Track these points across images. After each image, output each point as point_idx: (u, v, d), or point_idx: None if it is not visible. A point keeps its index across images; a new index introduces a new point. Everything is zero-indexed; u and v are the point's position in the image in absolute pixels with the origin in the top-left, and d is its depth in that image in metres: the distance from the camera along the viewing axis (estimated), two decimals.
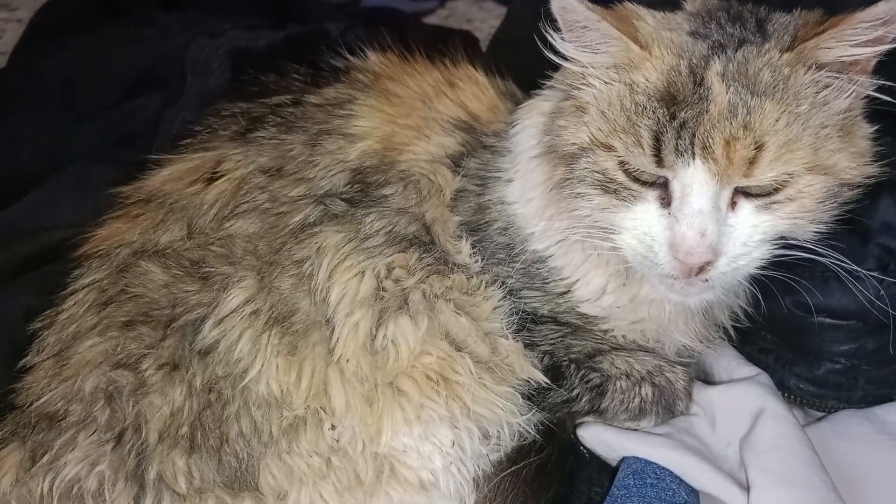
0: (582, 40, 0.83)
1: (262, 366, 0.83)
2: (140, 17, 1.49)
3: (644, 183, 0.81)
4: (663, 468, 0.86)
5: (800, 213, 0.79)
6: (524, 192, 0.96)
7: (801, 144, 0.77)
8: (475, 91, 1.08)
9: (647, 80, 0.80)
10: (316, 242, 0.90)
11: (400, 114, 1.02)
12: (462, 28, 2.15)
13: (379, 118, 1.00)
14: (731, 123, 0.75)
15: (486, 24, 2.21)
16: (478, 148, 1.02)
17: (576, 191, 0.86)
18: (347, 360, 0.85)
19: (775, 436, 0.85)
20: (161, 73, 1.27)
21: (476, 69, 1.13)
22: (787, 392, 1.01)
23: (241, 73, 1.19)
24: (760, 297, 0.94)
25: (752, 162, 0.76)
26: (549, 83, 0.95)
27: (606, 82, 0.83)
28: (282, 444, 0.82)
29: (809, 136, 0.77)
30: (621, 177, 0.81)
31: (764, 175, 0.77)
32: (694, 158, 0.77)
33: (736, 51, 0.79)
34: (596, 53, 0.84)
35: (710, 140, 0.76)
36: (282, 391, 0.83)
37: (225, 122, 1.02)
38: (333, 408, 0.84)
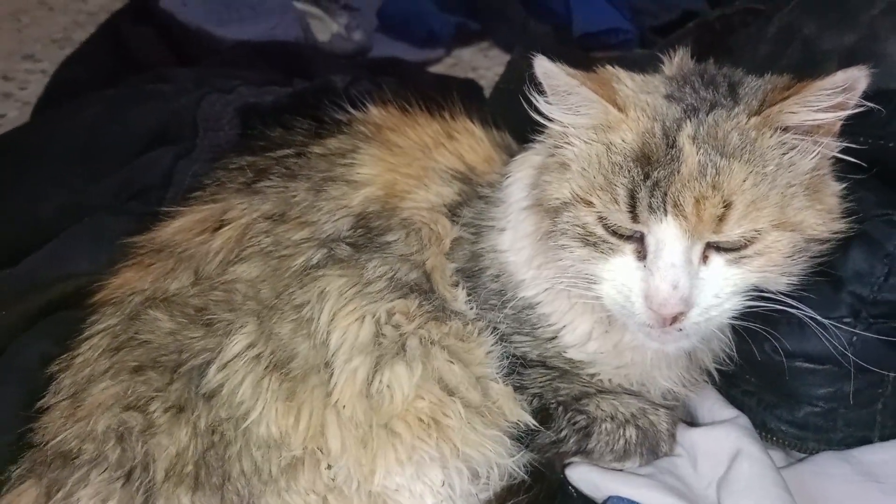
0: (564, 103, 0.90)
1: (263, 409, 0.87)
2: (157, 74, 1.57)
3: (621, 237, 0.86)
4: None
5: (769, 267, 0.84)
6: (515, 241, 1.01)
7: (768, 203, 0.81)
8: (472, 143, 1.15)
9: (623, 140, 0.86)
10: (318, 286, 0.95)
11: (401, 163, 1.08)
12: (467, 76, 2.23)
13: (381, 166, 1.06)
14: (701, 183, 0.80)
15: (490, 71, 2.28)
16: (473, 198, 1.08)
17: (559, 242, 0.91)
18: (344, 406, 0.89)
19: (750, 476, 0.88)
20: (174, 128, 1.34)
21: (473, 122, 1.20)
22: (770, 434, 1.04)
23: (249, 128, 1.27)
24: (739, 343, 0.99)
25: (721, 219, 0.81)
26: (540, 137, 1.01)
27: (586, 142, 0.89)
28: (281, 482, 0.86)
29: (776, 195, 0.82)
30: (600, 230, 0.87)
31: (732, 231, 0.82)
32: (666, 215, 0.82)
33: (707, 114, 0.84)
34: (577, 115, 0.90)
35: (680, 198, 0.81)
36: (281, 433, 0.87)
37: (232, 174, 1.08)
38: (330, 448, 0.88)
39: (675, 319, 0.83)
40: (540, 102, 0.91)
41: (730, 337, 1.00)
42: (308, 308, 0.93)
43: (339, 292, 0.94)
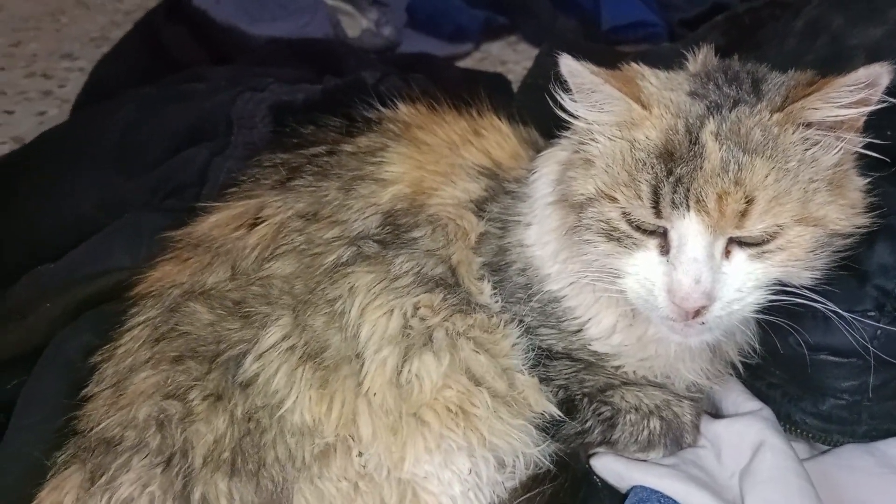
0: (588, 100, 0.92)
1: (297, 397, 0.90)
2: (192, 73, 1.61)
3: (645, 231, 0.88)
4: (668, 497, 0.91)
5: (791, 262, 0.85)
6: (541, 236, 1.03)
7: (790, 198, 0.83)
8: (498, 139, 1.17)
9: (647, 137, 0.88)
10: (348, 282, 0.98)
11: (428, 160, 1.10)
12: (496, 71, 2.25)
13: (409, 164, 1.09)
14: (723, 179, 0.82)
15: (518, 65, 2.31)
16: (500, 193, 1.10)
17: (584, 237, 0.93)
18: (375, 394, 0.92)
19: (773, 468, 0.90)
20: (209, 126, 1.38)
21: (500, 118, 1.22)
22: (794, 426, 1.05)
23: (282, 125, 1.30)
24: (764, 336, 1.00)
25: (744, 214, 0.82)
26: (566, 133, 1.02)
27: (610, 138, 0.91)
28: (314, 469, 0.89)
29: (798, 191, 0.83)
30: (624, 226, 0.88)
31: (755, 226, 0.83)
32: (689, 211, 0.83)
33: (730, 111, 0.86)
34: (601, 112, 0.92)
35: (703, 194, 0.82)
36: (314, 421, 0.90)
37: (266, 171, 1.12)
38: (361, 436, 0.91)
39: (697, 313, 0.84)
40: (565, 100, 0.93)
41: (754, 330, 1.00)
42: (340, 302, 0.96)
43: (367, 288, 0.97)
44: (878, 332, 0.96)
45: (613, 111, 0.90)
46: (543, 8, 2.35)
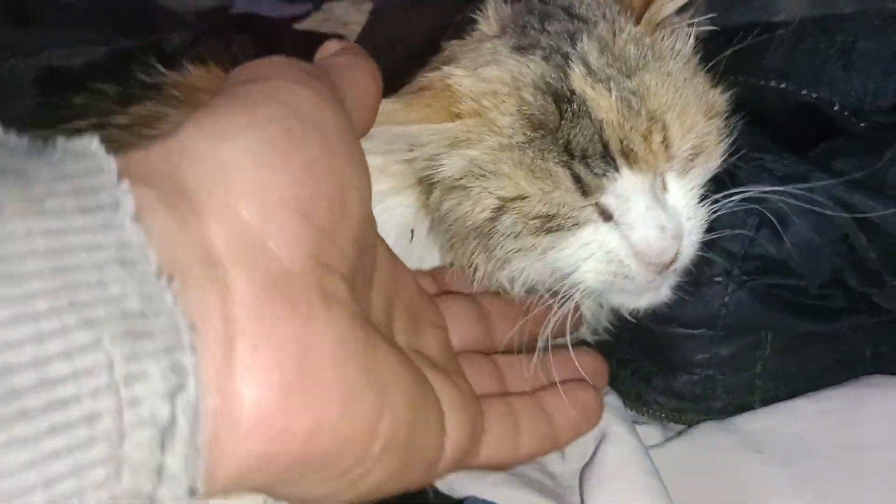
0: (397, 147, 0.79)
1: None
2: None
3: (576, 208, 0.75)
4: None
5: (710, 161, 0.79)
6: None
7: (689, 100, 0.75)
8: None
9: (504, 135, 0.74)
10: None
11: None
12: (337, 32, 2.08)
13: None
14: (631, 118, 0.72)
15: (361, 26, 2.14)
16: None
17: (507, 249, 0.78)
18: None
19: (615, 462, 0.79)
20: None
21: None
22: (646, 406, 0.96)
23: (55, 95, 1.09)
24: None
25: (666, 142, 0.73)
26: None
27: (461, 158, 0.77)
28: None
29: (688, 88, 0.76)
30: (554, 209, 0.75)
31: (682, 148, 0.75)
32: (618, 170, 0.73)
33: (588, 39, 0.75)
34: (425, 147, 0.78)
35: (624, 145, 0.72)
36: None
37: None
38: None
39: (672, 262, 0.76)
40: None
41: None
42: None
43: None
44: (727, 298, 0.87)
45: (435, 142, 0.77)
46: None
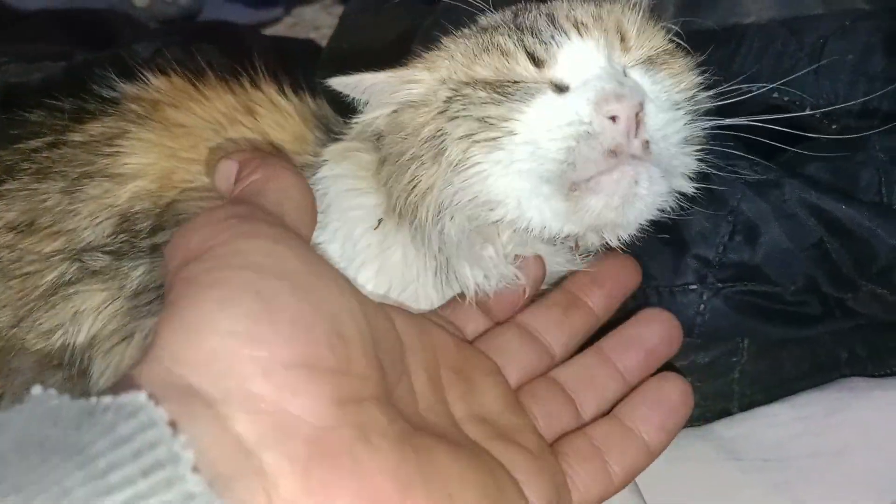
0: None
1: None
2: None
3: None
4: None
5: (682, 85, 0.77)
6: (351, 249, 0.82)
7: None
8: (278, 118, 0.96)
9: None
10: (72, 306, 0.78)
11: (183, 146, 0.88)
12: (308, 37, 2.06)
13: (156, 153, 0.87)
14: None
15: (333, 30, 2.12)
16: None
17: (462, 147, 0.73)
18: None
19: None
20: None
21: (284, 90, 1.02)
22: None
23: (12, 113, 1.06)
24: None
25: (620, 31, 0.76)
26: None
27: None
28: None
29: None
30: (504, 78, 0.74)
31: (639, 44, 0.77)
32: (570, 37, 0.73)
33: None
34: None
35: (572, 14, 0.76)
36: None
37: None
38: None
39: (637, 125, 0.68)
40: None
41: None
42: (59, 334, 0.76)
43: (96, 311, 0.78)
44: (701, 306, 0.86)
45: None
46: None
